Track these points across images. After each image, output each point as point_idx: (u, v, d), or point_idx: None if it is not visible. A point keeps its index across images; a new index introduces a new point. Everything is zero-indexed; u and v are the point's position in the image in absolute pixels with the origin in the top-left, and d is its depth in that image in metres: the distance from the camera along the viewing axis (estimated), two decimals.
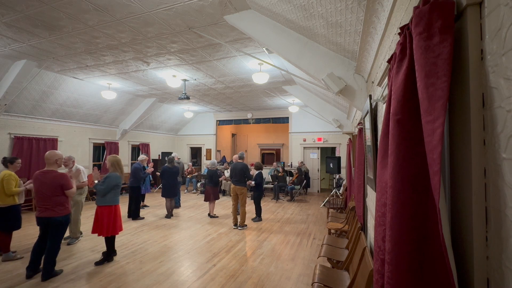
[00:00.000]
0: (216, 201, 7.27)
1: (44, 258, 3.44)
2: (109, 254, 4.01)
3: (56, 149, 8.12)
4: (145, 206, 7.92)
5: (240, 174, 5.89)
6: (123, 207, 7.55)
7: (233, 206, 6.01)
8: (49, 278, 3.39)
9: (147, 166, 7.22)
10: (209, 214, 6.83)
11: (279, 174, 9.64)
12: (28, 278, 3.39)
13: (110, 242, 4.02)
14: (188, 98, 7.60)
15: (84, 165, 8.56)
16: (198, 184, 11.03)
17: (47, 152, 3.54)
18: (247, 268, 3.83)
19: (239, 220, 5.93)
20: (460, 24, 0.85)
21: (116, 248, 4.24)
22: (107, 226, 3.83)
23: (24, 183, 4.34)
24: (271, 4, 3.16)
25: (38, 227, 3.60)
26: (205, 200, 6.69)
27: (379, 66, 2.32)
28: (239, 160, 6.16)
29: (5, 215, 3.97)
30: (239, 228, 5.81)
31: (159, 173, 7.38)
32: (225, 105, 11.11)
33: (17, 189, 3.99)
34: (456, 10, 0.83)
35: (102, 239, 4.56)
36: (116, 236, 5.09)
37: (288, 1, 2.85)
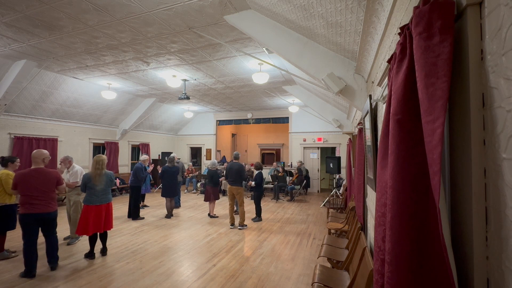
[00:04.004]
0: (216, 201, 7.27)
1: (50, 252, 3.61)
2: (90, 251, 4.07)
3: (56, 149, 8.17)
4: (145, 206, 7.92)
5: (237, 174, 5.89)
6: (123, 207, 7.57)
7: (230, 206, 6.02)
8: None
9: (148, 166, 7.22)
10: (209, 214, 6.83)
11: (279, 174, 9.64)
12: (29, 278, 3.39)
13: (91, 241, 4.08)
14: (188, 98, 7.60)
15: (84, 165, 8.58)
16: (198, 184, 11.03)
17: (35, 151, 3.65)
18: (247, 268, 3.83)
19: (236, 219, 5.93)
20: (460, 24, 0.85)
21: (116, 248, 4.24)
22: (92, 224, 3.93)
23: None
24: (271, 4, 3.16)
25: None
26: (205, 200, 6.68)
27: (379, 66, 2.32)
28: (234, 161, 6.17)
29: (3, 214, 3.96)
30: (238, 227, 5.81)
31: (160, 168, 7.40)
32: (225, 105, 11.11)
33: None
34: (456, 10, 0.83)
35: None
36: (117, 236, 5.13)
37: (288, 1, 2.85)
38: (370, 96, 2.54)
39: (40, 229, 3.56)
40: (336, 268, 3.05)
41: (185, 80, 7.24)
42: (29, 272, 3.42)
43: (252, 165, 10.42)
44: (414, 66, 0.93)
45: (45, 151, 3.70)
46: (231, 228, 5.83)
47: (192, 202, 8.79)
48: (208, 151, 13.41)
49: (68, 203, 4.84)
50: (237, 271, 3.74)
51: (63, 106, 7.97)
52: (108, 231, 4.22)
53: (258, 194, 6.64)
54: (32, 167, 3.59)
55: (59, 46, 5.02)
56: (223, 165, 11.38)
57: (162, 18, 3.89)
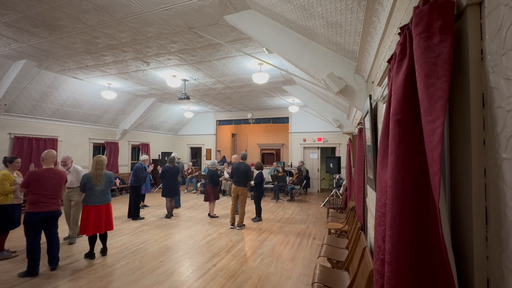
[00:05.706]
0: (216, 201, 7.28)
1: (51, 252, 3.64)
2: (90, 251, 4.08)
3: (56, 149, 8.15)
4: (145, 206, 7.92)
5: (243, 175, 5.87)
6: (123, 207, 7.57)
7: (232, 206, 6.01)
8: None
9: (148, 166, 7.22)
10: (209, 214, 6.83)
11: (279, 174, 9.65)
12: (30, 278, 3.39)
13: (90, 241, 4.07)
14: (188, 98, 7.60)
15: (84, 165, 8.58)
16: (198, 184, 11.03)
17: (47, 151, 3.76)
18: (247, 268, 3.83)
19: (237, 220, 5.93)
20: (460, 24, 0.85)
21: (116, 248, 4.24)
22: (92, 225, 3.95)
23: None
24: (271, 4, 3.16)
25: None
26: (205, 200, 6.68)
27: (379, 66, 2.32)
28: (241, 161, 6.14)
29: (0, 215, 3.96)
30: (237, 228, 5.81)
31: (160, 168, 7.38)
32: (225, 105, 11.11)
33: (11, 188, 3.99)
34: (456, 10, 0.83)
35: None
36: (117, 236, 5.13)
37: (288, 1, 2.85)
38: (370, 96, 2.54)
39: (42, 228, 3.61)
40: (336, 268, 3.05)
41: (185, 80, 7.24)
42: (32, 271, 3.44)
43: (252, 165, 10.42)
44: (414, 66, 0.93)
45: (55, 152, 3.87)
46: (231, 228, 5.83)
47: (192, 202, 8.79)
48: (208, 151, 13.41)
49: (67, 203, 4.84)
50: (237, 271, 3.74)
51: (63, 106, 7.97)
52: (108, 231, 4.23)
53: (258, 194, 6.64)
54: (44, 167, 3.70)
55: (59, 46, 5.02)
56: (223, 165, 11.38)
57: (162, 18, 3.89)
